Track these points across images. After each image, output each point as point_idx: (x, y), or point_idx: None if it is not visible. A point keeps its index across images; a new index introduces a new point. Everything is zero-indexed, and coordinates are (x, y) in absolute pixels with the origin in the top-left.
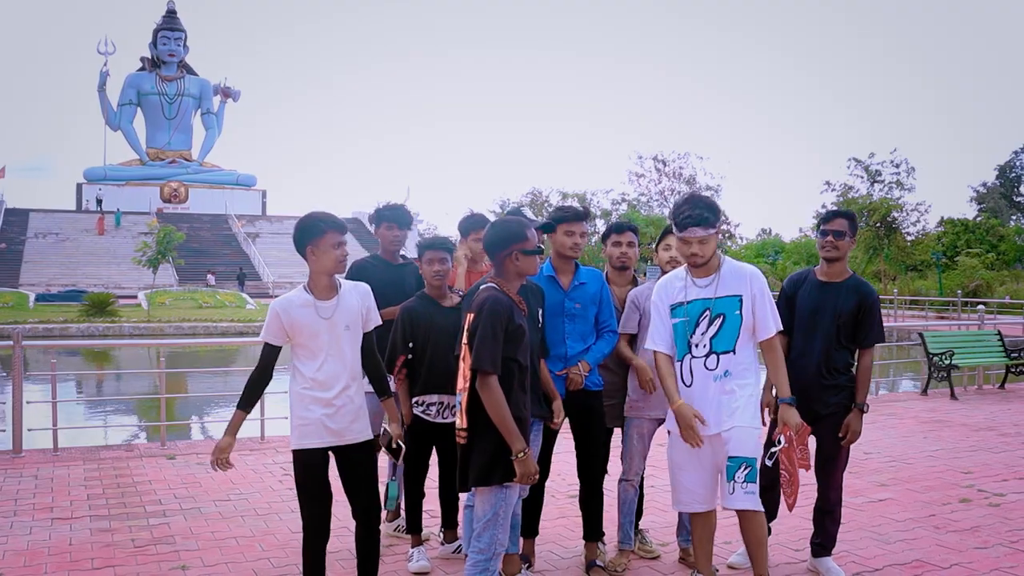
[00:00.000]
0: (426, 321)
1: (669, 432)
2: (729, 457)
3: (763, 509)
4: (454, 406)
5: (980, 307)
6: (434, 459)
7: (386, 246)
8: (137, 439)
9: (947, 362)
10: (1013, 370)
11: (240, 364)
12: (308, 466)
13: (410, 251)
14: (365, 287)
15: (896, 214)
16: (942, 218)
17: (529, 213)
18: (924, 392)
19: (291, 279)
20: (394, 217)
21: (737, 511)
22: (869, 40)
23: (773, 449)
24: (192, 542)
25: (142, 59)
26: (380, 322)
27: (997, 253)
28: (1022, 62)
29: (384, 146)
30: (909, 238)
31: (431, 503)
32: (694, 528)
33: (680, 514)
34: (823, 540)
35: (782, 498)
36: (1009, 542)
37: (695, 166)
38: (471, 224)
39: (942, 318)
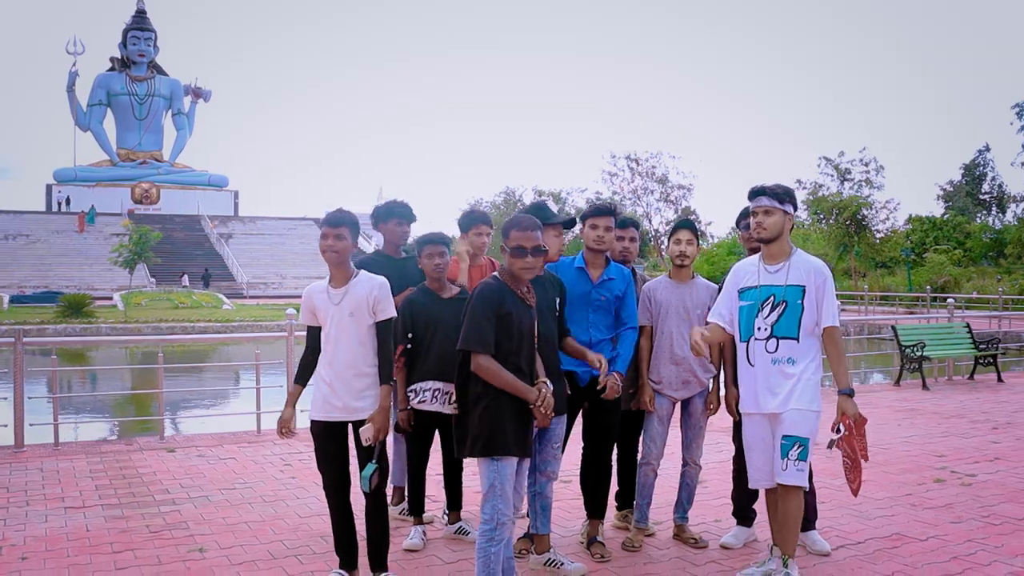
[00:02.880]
0: (426, 312)
1: (740, 414)
2: (784, 436)
3: (808, 487)
4: (451, 392)
5: (949, 300)
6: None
7: (393, 240)
8: (134, 433)
9: (919, 354)
10: (981, 361)
11: (223, 361)
12: (314, 435)
13: None
14: (382, 280)
15: (865, 212)
16: (910, 216)
17: (553, 206)
18: (897, 383)
19: (265, 279)
20: (402, 213)
21: (781, 488)
22: (840, 42)
23: (833, 437)
24: (205, 527)
25: (112, 59)
26: (392, 314)
27: (964, 250)
28: (987, 63)
29: (356, 146)
30: (879, 235)
31: (433, 489)
32: (769, 506)
33: (679, 492)
34: (807, 514)
35: (846, 483)
36: (981, 517)
37: (667, 165)
38: (472, 220)
39: (911, 314)
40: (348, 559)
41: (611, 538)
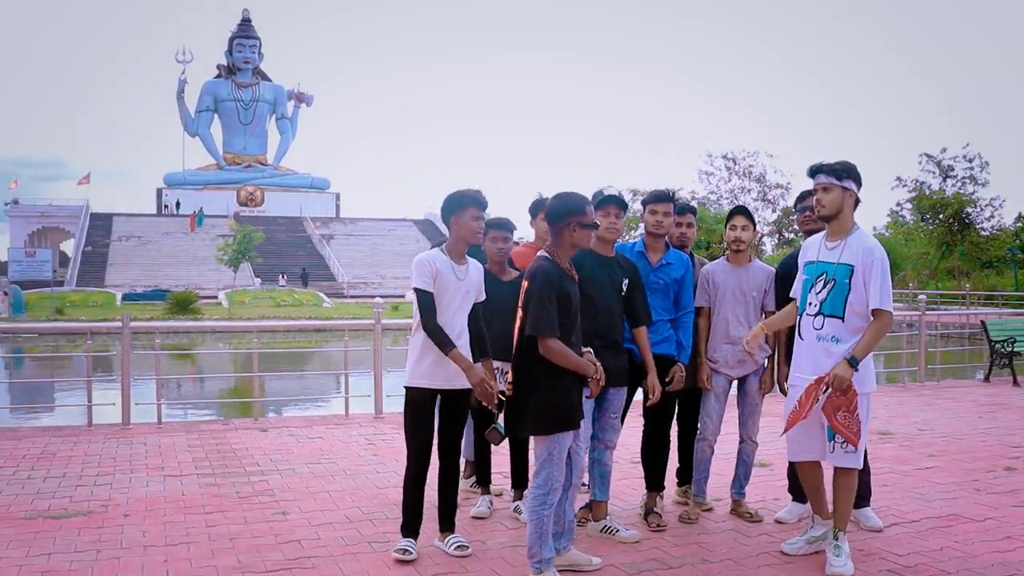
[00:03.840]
0: (487, 293)
1: (788, 387)
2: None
3: (861, 467)
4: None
5: None
6: None
7: None
8: (232, 414)
9: (1009, 349)
10: None
11: (315, 358)
12: (415, 400)
13: None
14: (480, 267)
15: (969, 209)
16: (1020, 214)
17: (613, 190)
18: (987, 379)
19: (365, 279)
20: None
21: (834, 467)
22: (945, 35)
23: (809, 378)
24: (289, 494)
25: (218, 67)
26: (485, 297)
27: None
28: None
29: (457, 147)
30: (984, 234)
31: (506, 464)
32: (802, 477)
33: (736, 468)
34: (860, 491)
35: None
36: None
37: (764, 164)
38: (540, 205)
39: (1018, 315)
40: (415, 524)
41: (670, 512)
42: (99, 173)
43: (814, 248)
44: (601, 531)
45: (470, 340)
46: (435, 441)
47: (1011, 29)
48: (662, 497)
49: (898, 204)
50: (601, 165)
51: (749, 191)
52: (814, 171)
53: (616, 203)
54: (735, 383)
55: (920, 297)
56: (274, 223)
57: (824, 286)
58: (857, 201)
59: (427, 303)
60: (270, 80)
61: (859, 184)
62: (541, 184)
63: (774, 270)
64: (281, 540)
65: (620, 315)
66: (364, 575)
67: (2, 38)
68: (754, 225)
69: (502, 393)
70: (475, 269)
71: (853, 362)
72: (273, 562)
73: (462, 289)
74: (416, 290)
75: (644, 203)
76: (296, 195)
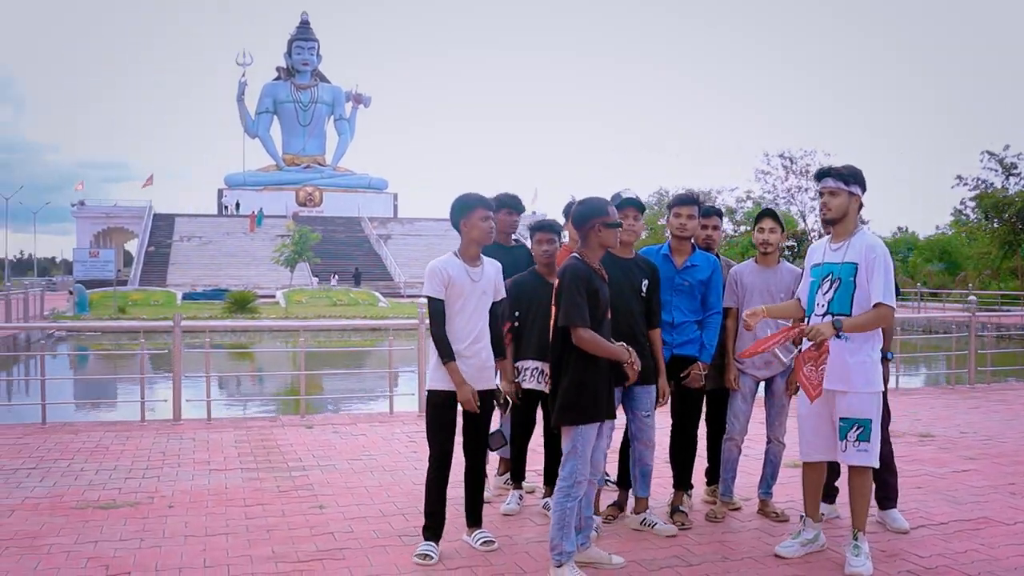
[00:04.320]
0: (530, 293)
1: (799, 388)
2: (841, 418)
3: (876, 466)
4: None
5: None
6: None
7: (503, 229)
8: (277, 411)
9: None
10: None
11: (367, 357)
12: (437, 405)
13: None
14: (499, 265)
15: None
16: None
17: (630, 194)
18: None
19: (422, 279)
20: (511, 203)
21: (849, 466)
22: (1001, 32)
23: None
24: (328, 489)
25: (278, 69)
26: (505, 295)
27: None
28: None
29: (514, 147)
30: None
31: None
32: (804, 476)
33: (764, 468)
34: (886, 493)
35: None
36: None
37: (822, 163)
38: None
39: None
40: (437, 528)
41: (699, 511)
42: (162, 174)
43: (819, 251)
44: (641, 523)
45: (490, 341)
46: (460, 441)
47: None
48: (689, 496)
49: (962, 203)
50: (601, 165)
51: (806, 190)
52: (822, 175)
53: (633, 206)
54: (762, 384)
55: (970, 298)
56: (332, 223)
57: (831, 286)
58: (861, 205)
59: (437, 311)
60: (328, 81)
61: (864, 188)
62: (540, 184)
63: (801, 271)
64: (316, 532)
65: (641, 315)
66: (392, 566)
67: (70, 46)
68: (782, 228)
69: (530, 391)
70: (492, 268)
71: (837, 324)
72: (305, 553)
73: (478, 290)
74: (427, 298)
75: (669, 206)
76: (354, 195)
